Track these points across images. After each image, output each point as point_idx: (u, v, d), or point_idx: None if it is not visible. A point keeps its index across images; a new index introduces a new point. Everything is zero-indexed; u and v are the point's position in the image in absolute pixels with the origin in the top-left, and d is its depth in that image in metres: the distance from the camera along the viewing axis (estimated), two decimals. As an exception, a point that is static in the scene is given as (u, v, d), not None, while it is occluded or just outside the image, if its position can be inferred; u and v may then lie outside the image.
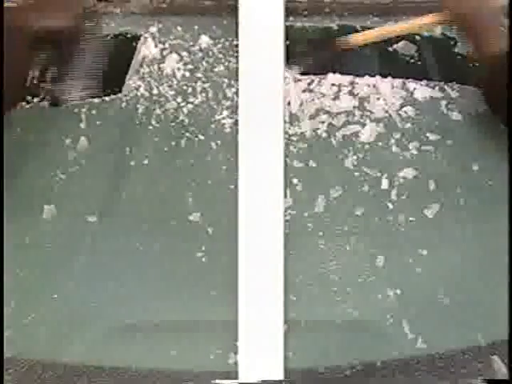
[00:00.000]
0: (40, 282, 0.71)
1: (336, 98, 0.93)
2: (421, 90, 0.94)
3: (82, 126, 0.88)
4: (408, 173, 0.82)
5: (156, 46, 1.01)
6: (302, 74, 0.96)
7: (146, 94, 0.93)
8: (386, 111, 0.91)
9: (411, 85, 0.94)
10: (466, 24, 0.89)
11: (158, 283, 0.70)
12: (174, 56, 1.00)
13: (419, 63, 1.03)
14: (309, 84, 0.96)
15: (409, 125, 0.89)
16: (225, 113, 0.89)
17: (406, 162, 0.83)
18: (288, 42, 0.71)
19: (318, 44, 1.03)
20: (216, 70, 0.97)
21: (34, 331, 0.66)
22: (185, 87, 0.94)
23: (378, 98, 0.93)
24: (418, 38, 1.08)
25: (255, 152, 0.67)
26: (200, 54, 1.01)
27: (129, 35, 1.04)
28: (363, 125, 0.88)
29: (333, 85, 0.96)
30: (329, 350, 0.65)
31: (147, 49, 1.00)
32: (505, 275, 0.70)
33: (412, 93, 0.94)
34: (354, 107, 0.92)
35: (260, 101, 0.68)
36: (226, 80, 0.95)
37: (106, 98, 0.92)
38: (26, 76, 0.85)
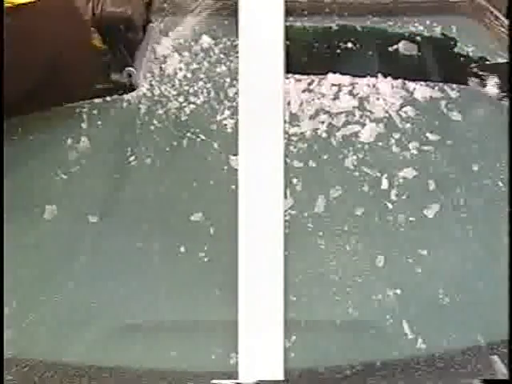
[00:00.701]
0: (40, 282, 0.71)
1: (336, 98, 0.94)
2: (421, 90, 0.94)
3: (84, 125, 0.88)
4: (408, 173, 0.82)
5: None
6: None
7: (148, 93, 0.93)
8: (386, 111, 0.91)
9: (411, 85, 0.94)
10: None
11: (158, 283, 0.70)
12: (176, 56, 1.00)
13: (419, 63, 1.04)
14: (309, 84, 0.96)
15: (409, 125, 0.89)
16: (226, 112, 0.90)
17: (406, 162, 0.83)
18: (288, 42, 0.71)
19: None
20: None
21: (35, 331, 0.66)
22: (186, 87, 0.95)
23: (378, 98, 0.93)
24: (418, 38, 1.08)
25: (255, 152, 0.67)
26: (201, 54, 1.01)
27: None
28: (363, 125, 0.89)
29: (333, 85, 0.96)
30: (329, 350, 0.65)
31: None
32: (505, 275, 0.70)
33: (412, 93, 0.94)
34: (354, 107, 0.92)
35: (260, 101, 0.68)
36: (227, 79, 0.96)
37: (108, 98, 0.92)
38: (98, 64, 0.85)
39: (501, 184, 0.81)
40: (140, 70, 0.91)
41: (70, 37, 0.75)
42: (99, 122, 0.88)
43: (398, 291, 0.69)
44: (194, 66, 0.99)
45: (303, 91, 0.94)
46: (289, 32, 0.71)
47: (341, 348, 0.65)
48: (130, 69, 0.90)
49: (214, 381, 0.62)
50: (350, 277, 0.71)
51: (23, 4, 0.79)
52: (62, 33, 0.74)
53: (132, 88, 0.91)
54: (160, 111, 0.90)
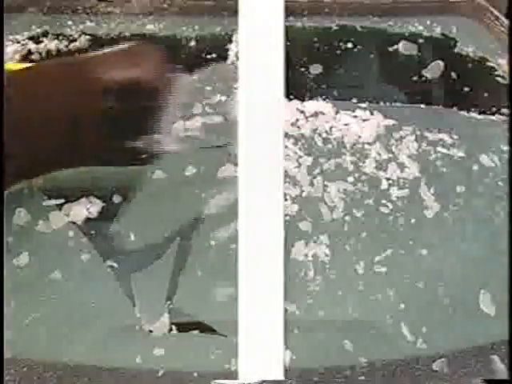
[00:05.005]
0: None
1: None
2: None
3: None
4: (408, 173, 0.82)
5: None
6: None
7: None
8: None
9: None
10: None
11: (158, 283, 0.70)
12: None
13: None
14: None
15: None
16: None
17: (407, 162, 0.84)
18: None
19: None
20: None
21: (34, 331, 0.66)
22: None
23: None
24: (418, 38, 1.09)
25: (255, 152, 0.67)
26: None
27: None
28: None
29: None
30: (329, 350, 0.65)
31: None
32: (505, 275, 0.70)
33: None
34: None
35: (260, 101, 0.68)
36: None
37: None
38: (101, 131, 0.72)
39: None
40: (167, 134, 0.78)
41: (75, 100, 0.68)
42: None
43: (398, 291, 0.69)
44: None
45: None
46: (289, 32, 0.71)
47: (341, 348, 0.65)
48: (148, 136, 0.75)
49: (213, 381, 0.62)
50: (350, 277, 0.71)
51: (21, 69, 0.76)
52: (65, 96, 0.68)
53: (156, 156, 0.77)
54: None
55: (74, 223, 0.75)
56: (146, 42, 0.85)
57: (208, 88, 0.95)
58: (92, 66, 0.70)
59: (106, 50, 0.74)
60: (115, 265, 0.71)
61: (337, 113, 0.91)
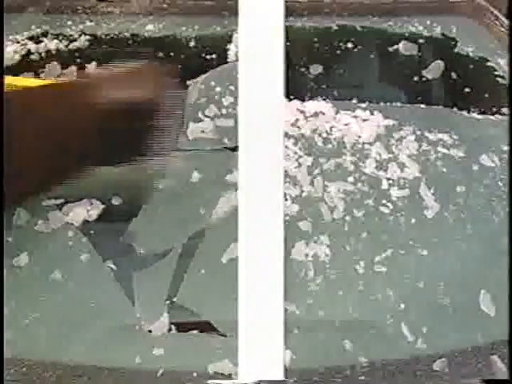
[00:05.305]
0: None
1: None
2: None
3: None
4: (408, 173, 0.82)
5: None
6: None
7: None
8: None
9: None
10: None
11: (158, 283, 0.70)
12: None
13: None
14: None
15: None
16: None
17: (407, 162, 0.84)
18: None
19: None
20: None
21: (34, 331, 0.66)
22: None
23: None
24: (418, 38, 1.09)
25: (255, 152, 0.67)
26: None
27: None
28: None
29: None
30: (329, 350, 0.65)
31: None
32: (505, 275, 0.70)
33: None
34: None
35: (260, 101, 0.68)
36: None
37: None
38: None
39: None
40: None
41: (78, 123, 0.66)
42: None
43: (398, 291, 0.69)
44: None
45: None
46: (289, 32, 0.71)
47: (341, 348, 0.65)
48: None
49: (214, 381, 0.62)
50: (350, 277, 0.71)
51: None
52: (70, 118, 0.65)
53: None
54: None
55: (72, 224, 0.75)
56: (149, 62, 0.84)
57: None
58: (92, 89, 0.69)
59: (107, 70, 0.73)
60: (114, 266, 0.71)
61: (337, 113, 0.91)
